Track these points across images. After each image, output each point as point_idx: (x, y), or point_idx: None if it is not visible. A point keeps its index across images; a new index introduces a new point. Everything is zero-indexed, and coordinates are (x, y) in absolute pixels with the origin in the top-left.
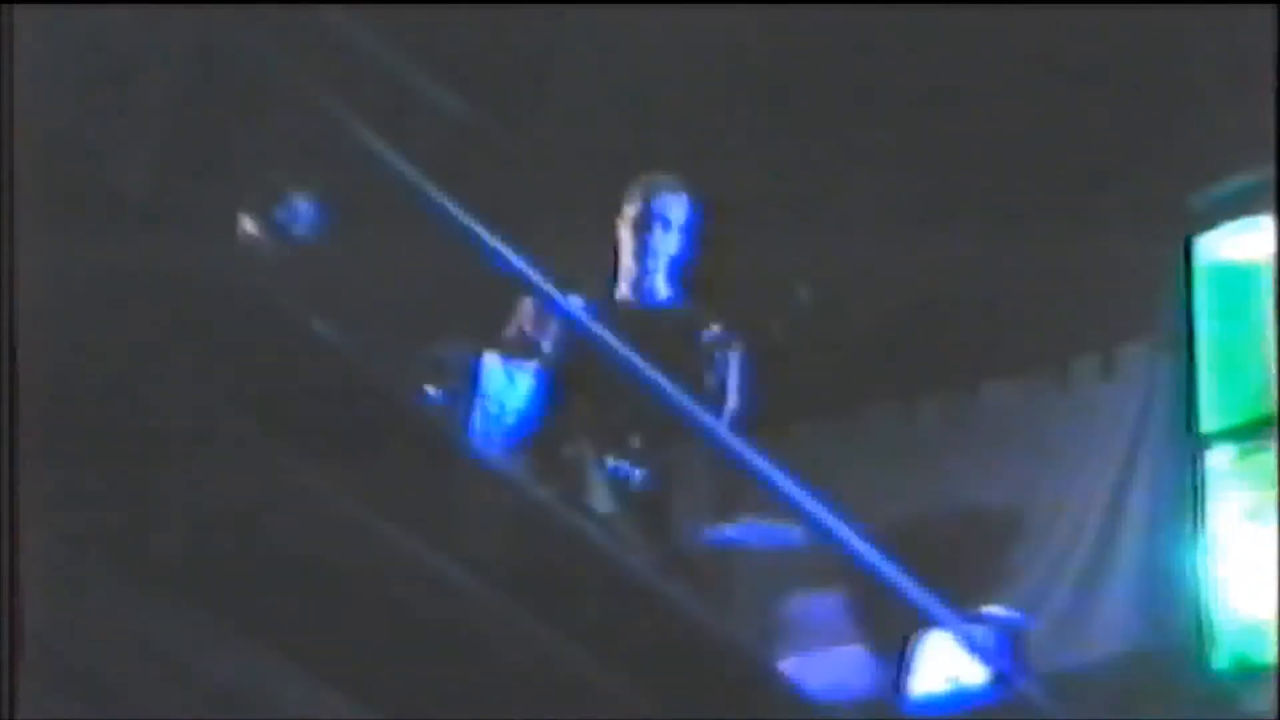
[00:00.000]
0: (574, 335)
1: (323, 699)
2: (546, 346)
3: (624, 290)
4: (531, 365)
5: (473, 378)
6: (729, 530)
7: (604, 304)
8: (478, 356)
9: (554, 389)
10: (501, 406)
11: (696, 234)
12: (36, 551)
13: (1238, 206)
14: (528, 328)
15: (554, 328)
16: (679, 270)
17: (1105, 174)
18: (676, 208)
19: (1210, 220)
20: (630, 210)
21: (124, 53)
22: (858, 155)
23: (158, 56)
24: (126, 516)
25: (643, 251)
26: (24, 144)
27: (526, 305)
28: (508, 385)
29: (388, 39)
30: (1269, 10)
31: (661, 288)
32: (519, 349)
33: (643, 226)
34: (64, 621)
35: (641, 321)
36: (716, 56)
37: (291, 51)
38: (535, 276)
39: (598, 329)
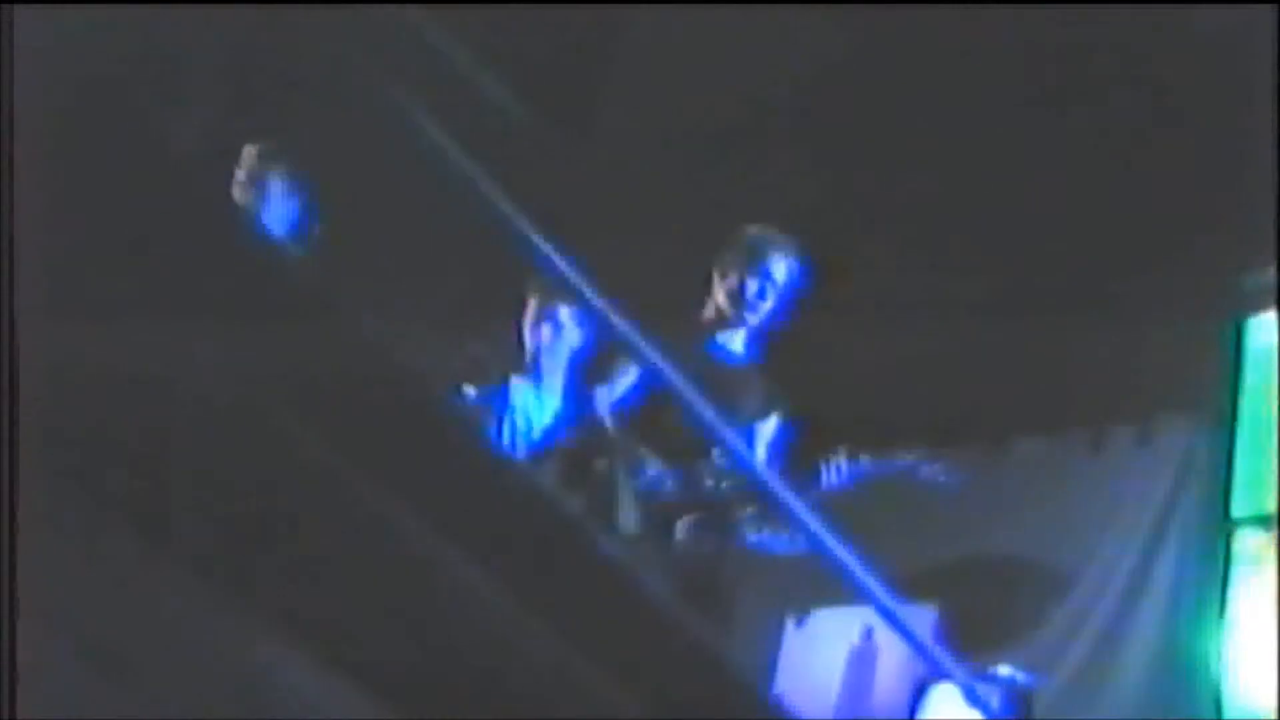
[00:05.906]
0: (610, 349)
1: (333, 688)
2: (566, 360)
3: (704, 332)
4: (557, 382)
5: (500, 398)
6: None
7: (679, 346)
8: (505, 378)
9: (580, 404)
10: (529, 422)
11: (797, 298)
12: (46, 525)
13: None
14: (545, 342)
15: (575, 341)
16: (766, 330)
17: (1164, 249)
18: (783, 269)
19: (1263, 302)
20: (733, 260)
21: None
22: (906, 207)
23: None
24: (141, 493)
25: (738, 303)
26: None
27: (537, 316)
28: (535, 403)
29: (448, 35)
30: (1269, 10)
31: (743, 343)
32: (540, 364)
33: (744, 281)
34: (74, 593)
35: (712, 374)
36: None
37: (353, 43)
38: (615, 315)
39: (671, 373)
